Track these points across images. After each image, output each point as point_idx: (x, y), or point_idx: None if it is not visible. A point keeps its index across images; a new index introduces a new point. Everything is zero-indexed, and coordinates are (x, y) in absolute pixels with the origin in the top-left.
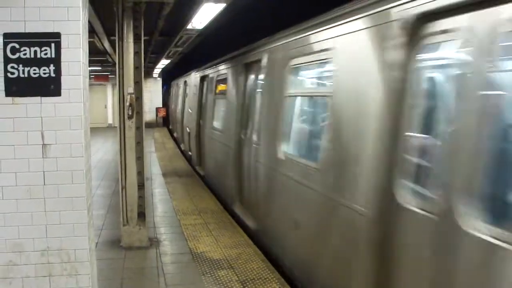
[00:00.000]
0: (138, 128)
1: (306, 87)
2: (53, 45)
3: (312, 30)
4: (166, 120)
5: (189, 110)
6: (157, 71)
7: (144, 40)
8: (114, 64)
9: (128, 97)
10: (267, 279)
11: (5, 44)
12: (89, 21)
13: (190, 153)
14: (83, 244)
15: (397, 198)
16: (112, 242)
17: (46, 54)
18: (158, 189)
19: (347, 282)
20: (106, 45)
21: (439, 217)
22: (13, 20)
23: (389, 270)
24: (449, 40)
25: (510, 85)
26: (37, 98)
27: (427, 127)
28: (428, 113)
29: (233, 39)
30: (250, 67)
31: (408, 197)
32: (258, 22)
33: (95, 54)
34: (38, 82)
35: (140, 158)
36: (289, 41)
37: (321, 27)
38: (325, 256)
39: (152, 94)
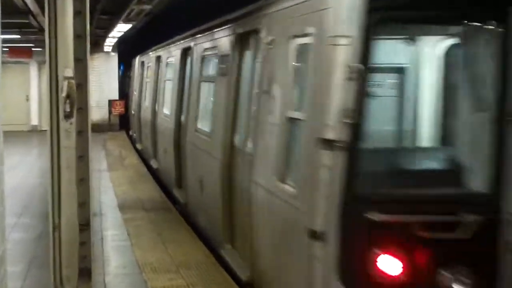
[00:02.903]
0: (81, 133)
1: (207, 75)
2: None
3: (203, 33)
4: (124, 120)
5: (163, 101)
6: (110, 42)
7: None
8: (42, 30)
9: (65, 83)
10: None
11: None
12: None
13: (156, 165)
14: None
15: (235, 144)
16: None
17: None
18: (112, 231)
19: (218, 217)
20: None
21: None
22: None
23: (234, 197)
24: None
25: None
26: None
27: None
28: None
29: None
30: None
31: (240, 143)
32: None
33: (10, 14)
34: None
35: (84, 180)
36: (202, 36)
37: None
38: (207, 201)
39: (103, 78)
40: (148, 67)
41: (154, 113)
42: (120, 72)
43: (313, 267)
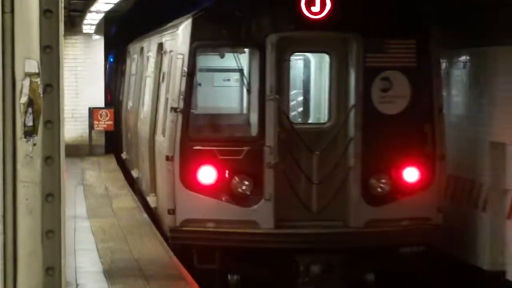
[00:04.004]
0: (50, 160)
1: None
2: None
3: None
4: (113, 139)
5: (144, 102)
6: (93, 19)
7: None
8: None
9: (26, 83)
10: None
11: None
12: None
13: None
14: None
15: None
16: None
17: None
18: None
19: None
20: None
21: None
22: None
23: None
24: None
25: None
26: None
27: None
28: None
29: None
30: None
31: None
32: None
33: None
34: None
35: (53, 233)
36: (144, 38)
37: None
38: (145, 172)
39: (82, 75)
40: (140, 58)
41: (137, 115)
42: (108, 66)
43: (169, 176)
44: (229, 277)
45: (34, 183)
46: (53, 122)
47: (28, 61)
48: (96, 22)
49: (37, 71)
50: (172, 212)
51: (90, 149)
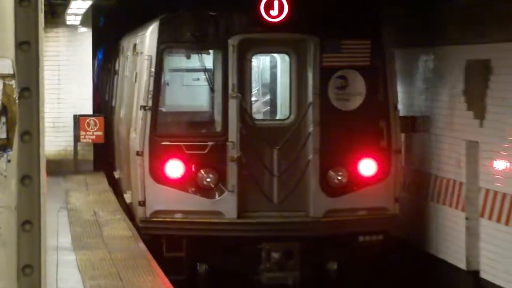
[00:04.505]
0: (27, 179)
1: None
2: None
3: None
4: (104, 153)
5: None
6: (78, 8)
7: None
8: None
9: None
10: None
11: None
12: None
13: None
14: None
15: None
16: None
17: None
18: None
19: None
20: None
21: None
22: None
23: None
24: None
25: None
26: None
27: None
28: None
29: None
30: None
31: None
32: None
33: None
34: None
35: (29, 269)
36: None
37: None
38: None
39: (65, 75)
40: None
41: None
42: (97, 64)
43: (139, 170)
44: (198, 266)
45: (8, 208)
46: (31, 134)
47: (1, 60)
48: (82, 11)
49: (11, 72)
50: (142, 204)
51: (76, 166)
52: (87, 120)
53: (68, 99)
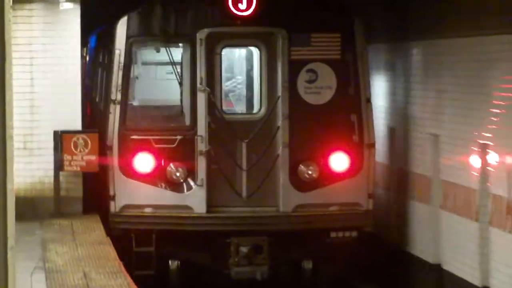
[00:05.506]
0: None
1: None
2: None
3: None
4: (100, 185)
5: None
6: None
7: None
8: None
9: None
10: None
11: None
12: None
13: None
14: None
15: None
16: None
17: None
18: None
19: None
20: None
21: None
22: None
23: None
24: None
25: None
26: None
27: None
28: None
29: None
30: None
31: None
32: None
33: None
34: None
35: None
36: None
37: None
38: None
39: (41, 71)
40: None
41: None
42: (88, 56)
43: (109, 164)
44: (169, 262)
45: None
46: None
47: None
48: None
49: None
50: (112, 198)
51: (58, 206)
52: (74, 139)
53: (46, 108)
